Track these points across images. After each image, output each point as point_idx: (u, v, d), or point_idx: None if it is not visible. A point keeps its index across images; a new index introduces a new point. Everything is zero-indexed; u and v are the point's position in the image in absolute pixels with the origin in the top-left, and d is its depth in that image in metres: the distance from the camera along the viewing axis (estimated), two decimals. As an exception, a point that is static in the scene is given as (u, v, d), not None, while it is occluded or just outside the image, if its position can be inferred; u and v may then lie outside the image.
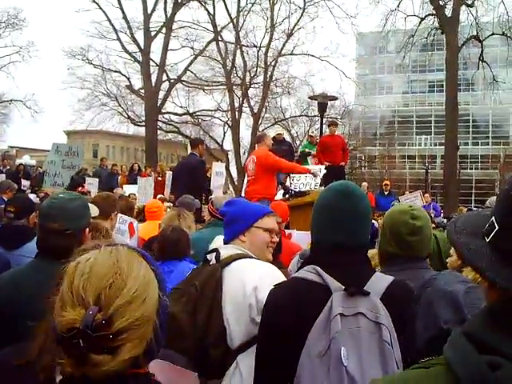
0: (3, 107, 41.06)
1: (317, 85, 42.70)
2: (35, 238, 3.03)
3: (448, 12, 28.82)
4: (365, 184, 18.70)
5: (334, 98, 24.52)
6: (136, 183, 13.98)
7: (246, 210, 3.16)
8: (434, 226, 3.74)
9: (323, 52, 40.01)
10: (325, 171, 10.72)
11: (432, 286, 2.36)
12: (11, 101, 39.66)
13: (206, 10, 36.96)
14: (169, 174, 13.32)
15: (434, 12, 29.43)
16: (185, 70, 37.93)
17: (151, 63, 36.13)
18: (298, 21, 37.85)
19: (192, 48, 37.90)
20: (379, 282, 2.24)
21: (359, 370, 1.99)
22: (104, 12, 35.33)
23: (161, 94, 36.89)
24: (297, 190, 10.03)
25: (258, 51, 38.59)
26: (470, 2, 29.59)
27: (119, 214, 5.77)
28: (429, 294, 2.34)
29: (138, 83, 38.07)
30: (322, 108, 20.05)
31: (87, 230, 3.01)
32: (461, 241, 1.22)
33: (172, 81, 37.75)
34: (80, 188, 13.78)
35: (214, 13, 37.04)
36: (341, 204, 2.29)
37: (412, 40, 31.43)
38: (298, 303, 2.20)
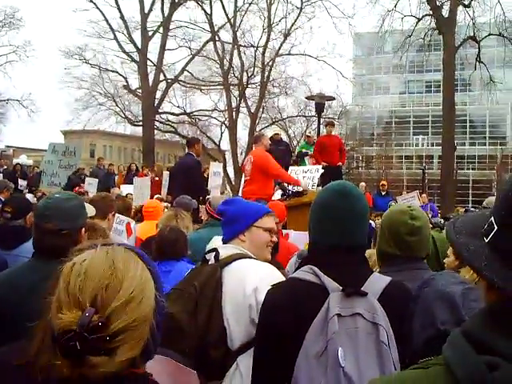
0: (0, 107, 40.99)
1: (314, 85, 42.89)
2: (32, 238, 3.03)
3: (445, 12, 28.87)
4: (363, 184, 18.72)
5: (332, 99, 24.57)
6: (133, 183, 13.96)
7: (245, 210, 3.14)
8: (431, 226, 3.74)
9: (320, 52, 39.83)
10: (322, 171, 10.72)
11: (430, 286, 2.36)
12: (8, 100, 39.57)
13: (203, 9, 36.98)
14: (166, 174, 13.31)
15: (431, 12, 29.48)
16: (182, 69, 37.92)
17: (148, 63, 36.10)
18: (295, 21, 37.91)
19: (189, 48, 37.96)
20: (377, 282, 2.24)
21: (356, 371, 1.99)
22: (101, 11, 35.34)
23: (158, 94, 36.89)
24: (294, 191, 10.02)
25: (256, 51, 38.63)
26: (466, 3, 29.64)
27: (116, 214, 5.77)
28: (426, 294, 2.34)
29: (135, 83, 38.12)
30: (319, 108, 20.07)
31: (83, 229, 3.00)
32: (460, 241, 1.22)
33: (169, 81, 37.73)
34: (77, 188, 13.77)
35: (211, 12, 37.07)
36: (338, 204, 2.29)
37: (409, 40, 31.49)
38: (296, 304, 2.19)
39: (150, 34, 35.88)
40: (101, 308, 1.35)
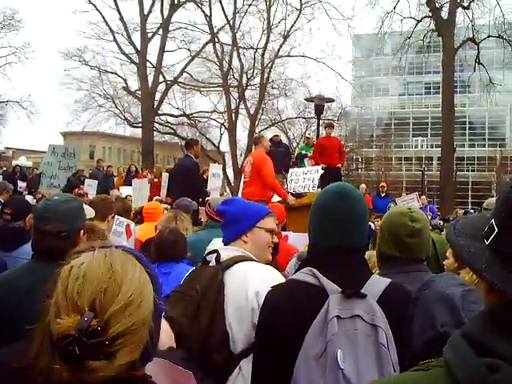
0: (-1, 108, 40.99)
1: (313, 87, 42.84)
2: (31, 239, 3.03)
3: (444, 14, 28.94)
4: (363, 186, 18.74)
5: (331, 100, 24.58)
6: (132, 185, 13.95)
7: (247, 210, 3.12)
8: (430, 228, 3.74)
9: (320, 54, 39.89)
10: (322, 171, 10.72)
11: (430, 288, 2.36)
12: (7, 102, 39.56)
13: (203, 11, 37.01)
14: (165, 176, 13.30)
15: (431, 14, 29.55)
16: (181, 71, 37.93)
17: (148, 64, 36.12)
18: (295, 22, 37.95)
19: (188, 49, 37.98)
20: (376, 284, 2.24)
21: (355, 373, 1.99)
22: (100, 13, 35.35)
23: (157, 96, 36.91)
24: (294, 192, 10.02)
25: (255, 53, 38.66)
26: (466, 5, 29.71)
27: (116, 216, 5.77)
28: (426, 296, 2.34)
29: (134, 85, 38.12)
30: (319, 110, 20.11)
31: (82, 231, 3.00)
32: (460, 243, 1.22)
33: (168, 82, 37.74)
34: (77, 189, 13.76)
35: (211, 14, 37.10)
36: (338, 206, 2.29)
37: (408, 42, 31.56)
38: (295, 305, 2.19)
39: (150, 35, 35.91)
40: (99, 312, 1.34)
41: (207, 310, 2.68)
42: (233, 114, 38.63)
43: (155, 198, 11.67)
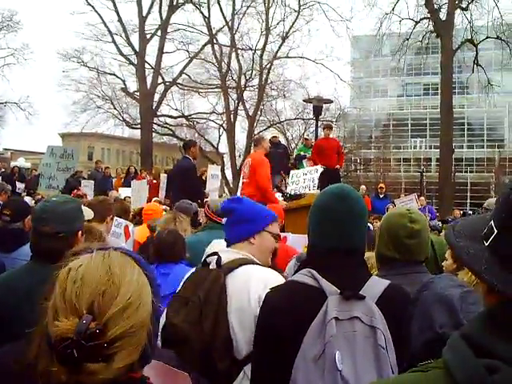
0: (-2, 109, 40.94)
1: (312, 88, 42.88)
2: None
3: (443, 16, 28.96)
4: (363, 187, 18.77)
5: (329, 101, 24.58)
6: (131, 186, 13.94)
7: (258, 211, 3.08)
8: (429, 229, 3.74)
9: (318, 55, 40.12)
10: (322, 170, 10.71)
11: (428, 289, 2.36)
12: (6, 103, 39.53)
13: (201, 12, 37.04)
14: (163, 177, 13.31)
15: (429, 15, 29.58)
16: (180, 72, 37.94)
17: (146, 66, 36.11)
18: (293, 24, 38.00)
19: (187, 51, 37.97)
20: (375, 285, 2.24)
21: (354, 375, 1.99)
22: (99, 14, 35.33)
23: (156, 97, 36.90)
24: (292, 193, 10.03)
25: (254, 54, 38.70)
26: (464, 6, 29.74)
27: (115, 217, 5.77)
28: (425, 297, 2.34)
29: (133, 86, 38.12)
30: (317, 111, 20.10)
31: (80, 232, 3.00)
32: (460, 244, 1.22)
33: (167, 83, 37.75)
34: (75, 191, 13.75)
35: (209, 16, 37.13)
36: (337, 207, 2.29)
37: (407, 43, 31.58)
38: (294, 307, 2.19)
39: (148, 36, 35.89)
40: (98, 315, 1.33)
41: (210, 316, 2.65)
42: (231, 115, 38.65)
43: (154, 199, 11.66)
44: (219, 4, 37.15)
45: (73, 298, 1.35)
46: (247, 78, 39.31)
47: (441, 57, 29.21)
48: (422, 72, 54.41)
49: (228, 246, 3.02)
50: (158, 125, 38.96)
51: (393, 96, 66.18)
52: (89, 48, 37.07)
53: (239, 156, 38.25)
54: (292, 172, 11.43)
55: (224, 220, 5.01)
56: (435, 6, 29.12)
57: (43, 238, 2.85)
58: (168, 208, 9.00)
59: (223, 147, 41.64)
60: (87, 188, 13.91)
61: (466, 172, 58.69)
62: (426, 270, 2.98)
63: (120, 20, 35.39)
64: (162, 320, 2.75)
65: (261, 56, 38.40)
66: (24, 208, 4.92)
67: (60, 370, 1.32)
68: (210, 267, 2.84)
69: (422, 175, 39.62)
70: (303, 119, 42.25)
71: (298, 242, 6.23)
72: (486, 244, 1.17)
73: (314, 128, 23.34)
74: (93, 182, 14.93)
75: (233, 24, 37.81)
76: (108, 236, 5.06)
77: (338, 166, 14.17)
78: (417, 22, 30.97)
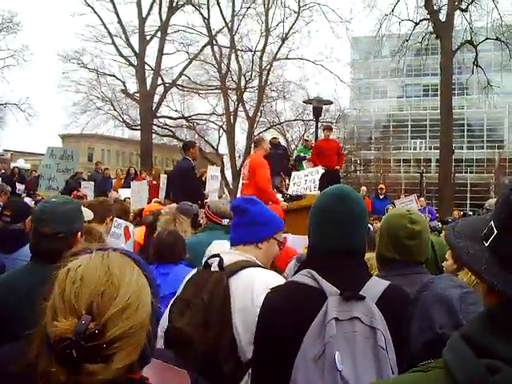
0: (-2, 111, 40.93)
1: (312, 89, 42.98)
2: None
3: (442, 17, 28.98)
4: (364, 188, 18.75)
5: (329, 103, 24.58)
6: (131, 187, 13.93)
7: (271, 217, 3.03)
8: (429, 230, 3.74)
9: (318, 56, 40.06)
10: (323, 171, 10.71)
11: (429, 289, 2.36)
12: (6, 104, 39.57)
13: (201, 14, 37.05)
14: (163, 178, 13.29)
15: (429, 17, 29.59)
16: (180, 73, 37.95)
17: (146, 67, 36.12)
18: (293, 25, 38.03)
19: (187, 52, 37.99)
20: (375, 286, 2.24)
21: (353, 375, 1.99)
22: (99, 16, 35.34)
23: (156, 98, 36.89)
24: (293, 194, 10.04)
25: (253, 55, 38.70)
26: (464, 7, 29.75)
27: (115, 218, 5.77)
28: (425, 297, 2.34)
29: (133, 87, 38.12)
30: (317, 112, 20.10)
31: (80, 233, 3.00)
32: (460, 245, 1.22)
33: (167, 85, 37.74)
34: (75, 192, 13.75)
35: (209, 17, 37.14)
36: (337, 208, 2.29)
37: (406, 44, 31.60)
38: (294, 307, 2.19)
39: (148, 38, 35.91)
40: (97, 315, 1.33)
41: (215, 319, 2.63)
42: (231, 117, 38.66)
43: (154, 200, 11.66)
44: (219, 5, 37.22)
45: (72, 299, 1.35)
46: (247, 79, 39.32)
47: (440, 58, 29.22)
48: (421, 73, 54.45)
49: (232, 245, 2.99)
50: (158, 126, 38.97)
51: (392, 97, 66.21)
52: (89, 49, 37.14)
53: (239, 157, 38.25)
54: (293, 173, 11.44)
55: (226, 220, 5.07)
56: (435, 7, 29.15)
57: (43, 239, 2.85)
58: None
59: (223, 148, 41.72)
60: (87, 189, 13.90)
61: (465, 173, 58.67)
62: (426, 271, 2.98)
63: (120, 21, 35.44)
64: (165, 322, 2.75)
65: (260, 57, 38.42)
66: (24, 209, 4.93)
67: (59, 371, 1.31)
68: (212, 269, 2.81)
69: (421, 176, 39.64)
70: (303, 120, 42.26)
71: (298, 242, 6.22)
72: (486, 244, 1.18)
73: (313, 129, 23.34)
74: (93, 183, 14.92)
75: (232, 25, 37.84)
76: (108, 237, 5.06)
77: (337, 167, 14.17)
78: (416, 24, 30.98)
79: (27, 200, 12.46)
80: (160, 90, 37.50)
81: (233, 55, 38.33)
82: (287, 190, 11.08)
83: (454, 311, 2.10)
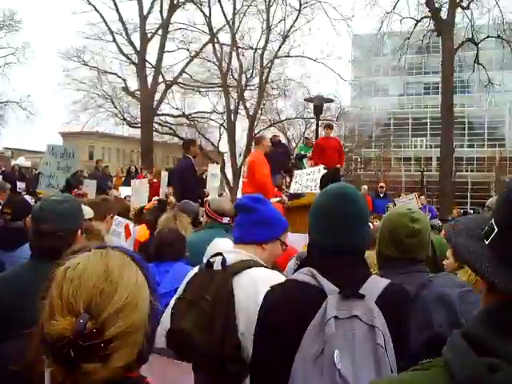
0: (-2, 108, 40.91)
1: (313, 87, 42.92)
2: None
3: (444, 15, 28.95)
4: (365, 187, 18.71)
5: (330, 101, 24.60)
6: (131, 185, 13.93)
7: (278, 217, 3.01)
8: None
9: (319, 54, 40.12)
10: (325, 171, 10.71)
11: (428, 288, 2.36)
12: (7, 102, 39.54)
13: (202, 11, 37.00)
14: (164, 175, 13.29)
15: (430, 14, 29.55)
16: (181, 71, 37.92)
17: (147, 65, 36.07)
18: (294, 23, 37.99)
19: (188, 50, 37.94)
20: (375, 284, 2.23)
21: (352, 373, 1.99)
22: (100, 14, 35.26)
23: (157, 96, 36.85)
24: (293, 193, 10.05)
25: (254, 53, 38.71)
26: (465, 5, 29.71)
27: (115, 216, 5.78)
28: (425, 296, 2.34)
29: (133, 85, 38.06)
30: (318, 110, 20.10)
31: (80, 231, 3.00)
32: (460, 242, 1.22)
33: (168, 82, 37.71)
34: (76, 190, 13.74)
35: (210, 15, 37.09)
36: (337, 206, 2.28)
37: (408, 42, 31.57)
38: (294, 305, 2.19)
39: (149, 36, 35.84)
40: (95, 314, 1.32)
41: (220, 319, 2.60)
42: (232, 115, 38.66)
43: (154, 198, 11.67)
44: (220, 3, 37.17)
45: (70, 298, 1.34)
46: (248, 77, 39.35)
47: (442, 56, 29.20)
48: (422, 71, 54.45)
49: (236, 243, 2.96)
50: (159, 124, 38.99)
51: (393, 95, 66.20)
52: (90, 47, 37.09)
53: (240, 155, 38.25)
54: (296, 172, 11.44)
55: (226, 219, 5.06)
56: (436, 4, 29.11)
57: (42, 237, 2.85)
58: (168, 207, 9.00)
59: (224, 146, 41.70)
60: (90, 188, 13.87)
61: (466, 171, 58.71)
62: (427, 269, 2.98)
63: (121, 19, 35.36)
64: (167, 323, 2.74)
65: (261, 55, 38.40)
66: (25, 207, 4.93)
67: (56, 370, 1.31)
68: (215, 268, 2.77)
69: (422, 174, 39.65)
70: (304, 118, 42.30)
71: (297, 241, 6.21)
72: (487, 242, 1.18)
73: (314, 127, 23.32)
74: (95, 181, 14.91)
75: (233, 23, 37.81)
76: (108, 235, 5.07)
77: (338, 166, 14.15)
78: (418, 21, 30.98)
79: (28, 198, 12.45)
80: (161, 87, 37.49)
81: (234, 53, 38.34)
82: (288, 188, 11.08)
83: (453, 310, 2.10)
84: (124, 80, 37.84)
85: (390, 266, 2.93)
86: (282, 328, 2.17)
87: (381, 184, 19.26)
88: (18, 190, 18.04)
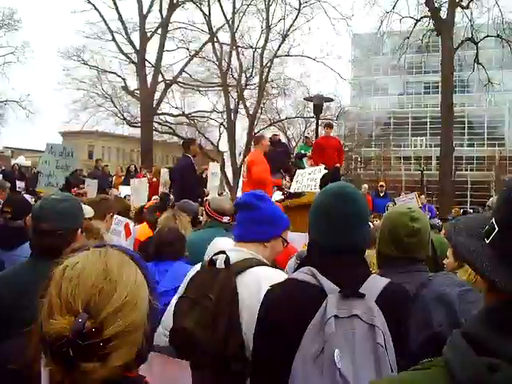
0: (-2, 108, 40.91)
1: (312, 86, 42.92)
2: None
3: (443, 14, 28.94)
4: (365, 186, 18.71)
5: (330, 100, 24.60)
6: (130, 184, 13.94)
7: (280, 215, 3.00)
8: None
9: (319, 53, 40.07)
10: (325, 171, 10.71)
11: (428, 287, 2.36)
12: (6, 101, 39.54)
13: (202, 11, 37.00)
14: (163, 173, 13.29)
15: (430, 14, 29.54)
16: (180, 71, 37.92)
17: (147, 64, 36.07)
18: (294, 22, 37.99)
19: (187, 49, 37.93)
20: (375, 283, 2.23)
21: (352, 372, 1.98)
22: (99, 13, 35.26)
23: (156, 95, 36.85)
24: (293, 192, 10.04)
25: (254, 52, 38.73)
26: (465, 4, 29.70)
27: (115, 215, 5.77)
28: (424, 295, 2.34)
29: (133, 84, 38.08)
30: (318, 109, 20.09)
31: (79, 230, 3.00)
32: (461, 242, 1.22)
33: (168, 82, 37.71)
34: (75, 189, 13.74)
35: (210, 14, 37.10)
36: (337, 205, 2.28)
37: (407, 41, 31.57)
38: (294, 304, 2.19)
39: (149, 35, 35.83)
40: (94, 313, 1.32)
41: (224, 318, 2.58)
42: (232, 114, 38.66)
43: (154, 197, 11.67)
44: (219, 2, 37.17)
45: (69, 297, 1.34)
46: (247, 76, 39.35)
47: (441, 55, 29.19)
48: (422, 70, 54.44)
49: (237, 241, 2.94)
50: (159, 123, 38.98)
51: (393, 94, 66.15)
52: (89, 46, 37.10)
53: (239, 154, 38.27)
54: (298, 171, 11.44)
55: (226, 218, 5.06)
56: (436, 4, 29.09)
57: (42, 236, 2.86)
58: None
59: (223, 146, 41.71)
60: (91, 187, 13.87)
61: (466, 170, 58.69)
62: (427, 269, 2.98)
63: (120, 18, 35.36)
64: (169, 322, 2.73)
65: (261, 54, 38.40)
66: (25, 205, 4.93)
67: (55, 370, 1.31)
68: (218, 266, 2.75)
69: (422, 173, 39.65)
70: (303, 117, 42.30)
71: (297, 240, 6.21)
72: (487, 241, 1.18)
73: (314, 126, 23.33)
74: (97, 181, 14.90)
75: (233, 22, 37.81)
76: (108, 234, 5.06)
77: (338, 165, 14.14)
78: (417, 21, 30.96)
79: (27, 197, 12.45)
80: (161, 87, 37.49)
81: (233, 52, 38.35)
82: (288, 187, 11.08)
83: (452, 309, 2.10)
84: (124, 79, 37.88)
85: (389, 265, 2.93)
86: (282, 327, 2.17)
87: (381, 183, 19.24)
88: (17, 189, 18.04)
